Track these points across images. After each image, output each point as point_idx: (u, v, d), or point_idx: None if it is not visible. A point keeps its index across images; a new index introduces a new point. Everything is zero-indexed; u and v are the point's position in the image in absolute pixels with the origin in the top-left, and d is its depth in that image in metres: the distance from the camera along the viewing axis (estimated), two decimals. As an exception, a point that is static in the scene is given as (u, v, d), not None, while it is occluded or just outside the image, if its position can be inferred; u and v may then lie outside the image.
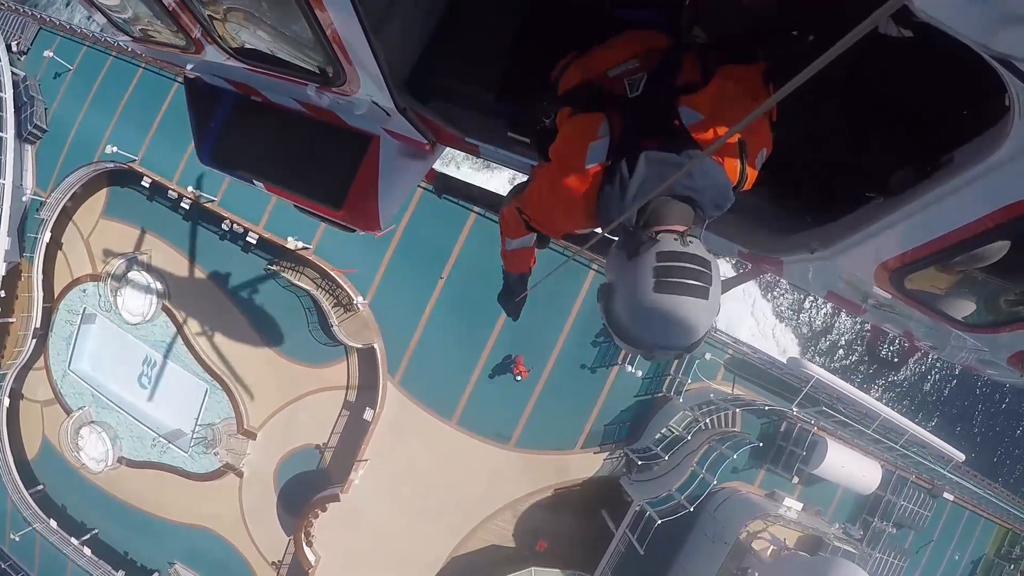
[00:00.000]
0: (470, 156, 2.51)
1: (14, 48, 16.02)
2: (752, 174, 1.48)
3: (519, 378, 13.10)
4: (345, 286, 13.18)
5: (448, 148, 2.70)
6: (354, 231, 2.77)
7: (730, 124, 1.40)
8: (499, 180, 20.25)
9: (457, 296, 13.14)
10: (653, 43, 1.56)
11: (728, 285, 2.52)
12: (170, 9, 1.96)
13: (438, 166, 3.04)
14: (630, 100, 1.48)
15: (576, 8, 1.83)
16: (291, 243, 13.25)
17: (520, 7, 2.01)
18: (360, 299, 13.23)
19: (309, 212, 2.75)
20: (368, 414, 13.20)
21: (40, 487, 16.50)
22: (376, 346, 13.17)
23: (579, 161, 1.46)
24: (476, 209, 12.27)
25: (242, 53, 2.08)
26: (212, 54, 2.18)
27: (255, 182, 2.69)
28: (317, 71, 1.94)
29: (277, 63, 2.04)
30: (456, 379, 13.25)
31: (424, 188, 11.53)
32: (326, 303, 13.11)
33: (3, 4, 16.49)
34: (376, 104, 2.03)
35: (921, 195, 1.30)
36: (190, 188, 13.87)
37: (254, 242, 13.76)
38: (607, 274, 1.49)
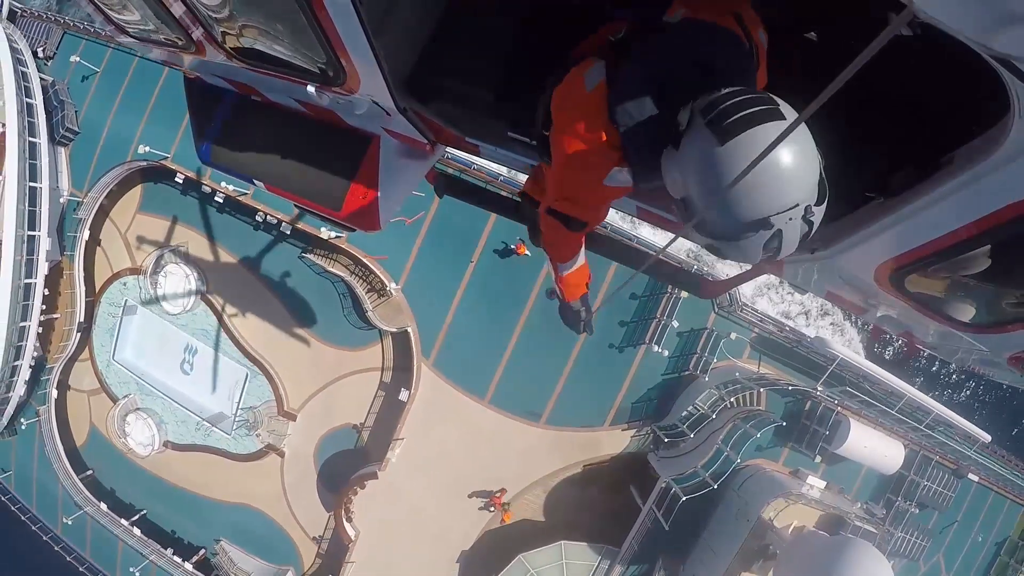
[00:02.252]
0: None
1: (40, 54, 16.29)
2: (759, 46, 1.41)
3: (492, 509, 13.77)
4: (378, 272, 13.54)
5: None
6: (354, 231, 2.78)
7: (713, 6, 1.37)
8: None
9: (487, 279, 13.42)
10: None
11: (728, 285, 2.66)
12: (177, 17, 2.01)
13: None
14: (614, 42, 1.48)
15: (576, 8, 1.82)
16: (324, 232, 13.62)
17: (520, 7, 1.98)
18: (393, 284, 13.58)
19: (310, 212, 2.75)
20: (403, 395, 13.63)
21: (89, 472, 17.21)
22: (410, 329, 13.53)
23: (579, 90, 1.42)
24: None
25: (243, 53, 2.10)
26: (213, 55, 2.20)
27: (255, 182, 2.68)
28: (317, 71, 1.95)
29: (278, 63, 2.05)
30: (488, 360, 13.59)
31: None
32: (360, 289, 13.47)
33: (26, 11, 16.75)
34: (376, 104, 2.04)
35: (921, 195, 1.29)
36: (223, 183, 14.23)
37: (288, 232, 14.18)
38: (674, 192, 1.25)
